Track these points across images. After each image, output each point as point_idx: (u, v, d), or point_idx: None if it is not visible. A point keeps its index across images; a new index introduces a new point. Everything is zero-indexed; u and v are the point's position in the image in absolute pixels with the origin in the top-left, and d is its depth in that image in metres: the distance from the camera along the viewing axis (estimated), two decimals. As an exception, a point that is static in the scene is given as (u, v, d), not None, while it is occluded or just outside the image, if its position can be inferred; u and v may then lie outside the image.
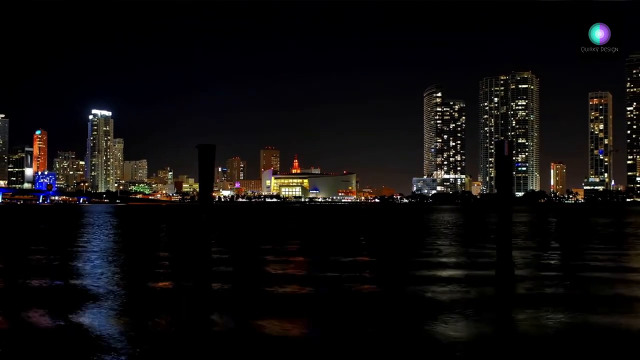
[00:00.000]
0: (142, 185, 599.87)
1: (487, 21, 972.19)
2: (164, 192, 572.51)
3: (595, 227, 61.43)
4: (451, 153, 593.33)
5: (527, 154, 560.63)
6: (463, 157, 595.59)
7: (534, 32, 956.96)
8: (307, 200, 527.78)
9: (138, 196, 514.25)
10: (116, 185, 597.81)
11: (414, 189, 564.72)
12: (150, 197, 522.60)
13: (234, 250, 31.40)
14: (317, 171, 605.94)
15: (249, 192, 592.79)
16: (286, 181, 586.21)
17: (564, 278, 20.48)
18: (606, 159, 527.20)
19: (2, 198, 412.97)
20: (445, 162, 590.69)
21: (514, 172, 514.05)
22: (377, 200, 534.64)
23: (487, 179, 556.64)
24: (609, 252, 30.61)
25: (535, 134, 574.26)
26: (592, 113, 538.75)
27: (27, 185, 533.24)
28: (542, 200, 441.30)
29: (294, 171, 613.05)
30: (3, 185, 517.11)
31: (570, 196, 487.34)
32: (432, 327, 12.75)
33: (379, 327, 13.00)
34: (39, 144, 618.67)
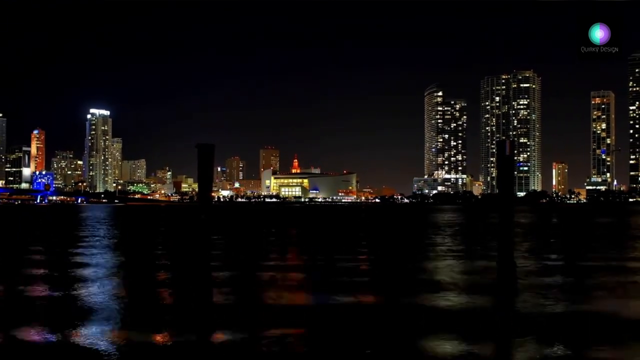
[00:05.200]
0: (140, 185, 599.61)
1: (488, 18, 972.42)
2: (162, 192, 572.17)
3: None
4: (452, 152, 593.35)
5: (528, 153, 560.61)
6: (464, 156, 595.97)
7: (536, 30, 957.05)
8: (306, 200, 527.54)
9: (136, 196, 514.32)
10: (114, 185, 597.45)
11: (415, 188, 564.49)
12: (149, 197, 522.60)
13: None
14: (317, 171, 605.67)
15: (249, 192, 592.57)
16: (286, 181, 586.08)
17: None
18: (608, 159, 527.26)
19: (0, 198, 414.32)
20: (446, 162, 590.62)
21: (516, 172, 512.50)
22: (377, 200, 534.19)
23: (489, 178, 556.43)
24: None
25: (537, 134, 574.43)
26: (594, 112, 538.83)
27: (24, 185, 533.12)
28: (544, 200, 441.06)
29: (293, 171, 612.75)
30: (1, 185, 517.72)
31: (572, 196, 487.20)
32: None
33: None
34: (37, 144, 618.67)
